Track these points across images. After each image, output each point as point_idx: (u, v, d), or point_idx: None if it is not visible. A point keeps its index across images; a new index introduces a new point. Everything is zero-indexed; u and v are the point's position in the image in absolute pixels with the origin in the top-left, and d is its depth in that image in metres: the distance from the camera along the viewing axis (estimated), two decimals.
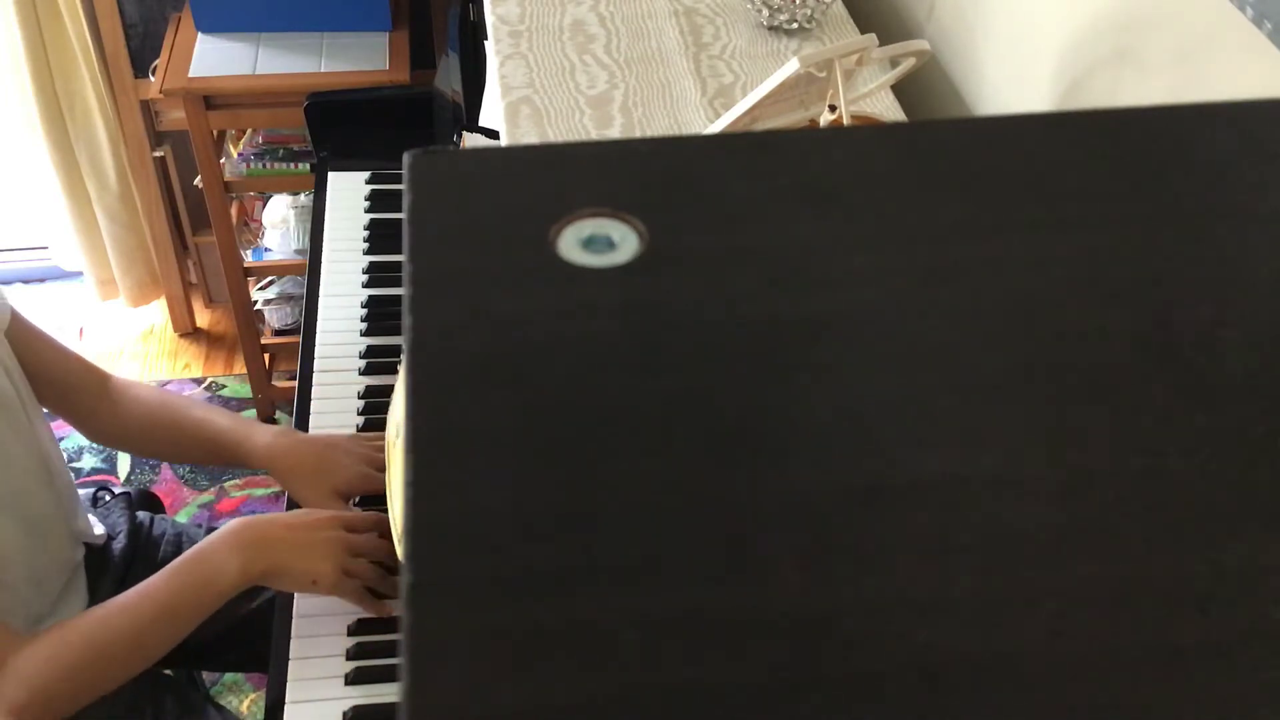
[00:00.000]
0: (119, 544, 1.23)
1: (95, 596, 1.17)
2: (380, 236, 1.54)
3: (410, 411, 0.30)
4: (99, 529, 1.24)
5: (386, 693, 1.05)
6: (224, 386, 2.34)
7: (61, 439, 1.97)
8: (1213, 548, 0.29)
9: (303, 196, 2.04)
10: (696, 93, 1.11)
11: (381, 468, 1.16)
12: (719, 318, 0.33)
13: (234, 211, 2.02)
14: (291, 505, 1.18)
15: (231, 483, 2.12)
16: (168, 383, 2.33)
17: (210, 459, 1.27)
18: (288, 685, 1.05)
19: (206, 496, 2.10)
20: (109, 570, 1.21)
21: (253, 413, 2.26)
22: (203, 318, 2.48)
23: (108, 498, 1.31)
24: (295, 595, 1.13)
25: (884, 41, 0.86)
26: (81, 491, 1.32)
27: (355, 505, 1.19)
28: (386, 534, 1.08)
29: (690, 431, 0.30)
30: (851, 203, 0.37)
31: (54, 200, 2.18)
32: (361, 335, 1.40)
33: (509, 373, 0.31)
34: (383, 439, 1.20)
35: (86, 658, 0.96)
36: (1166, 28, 0.80)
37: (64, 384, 1.16)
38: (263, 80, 1.83)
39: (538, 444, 0.30)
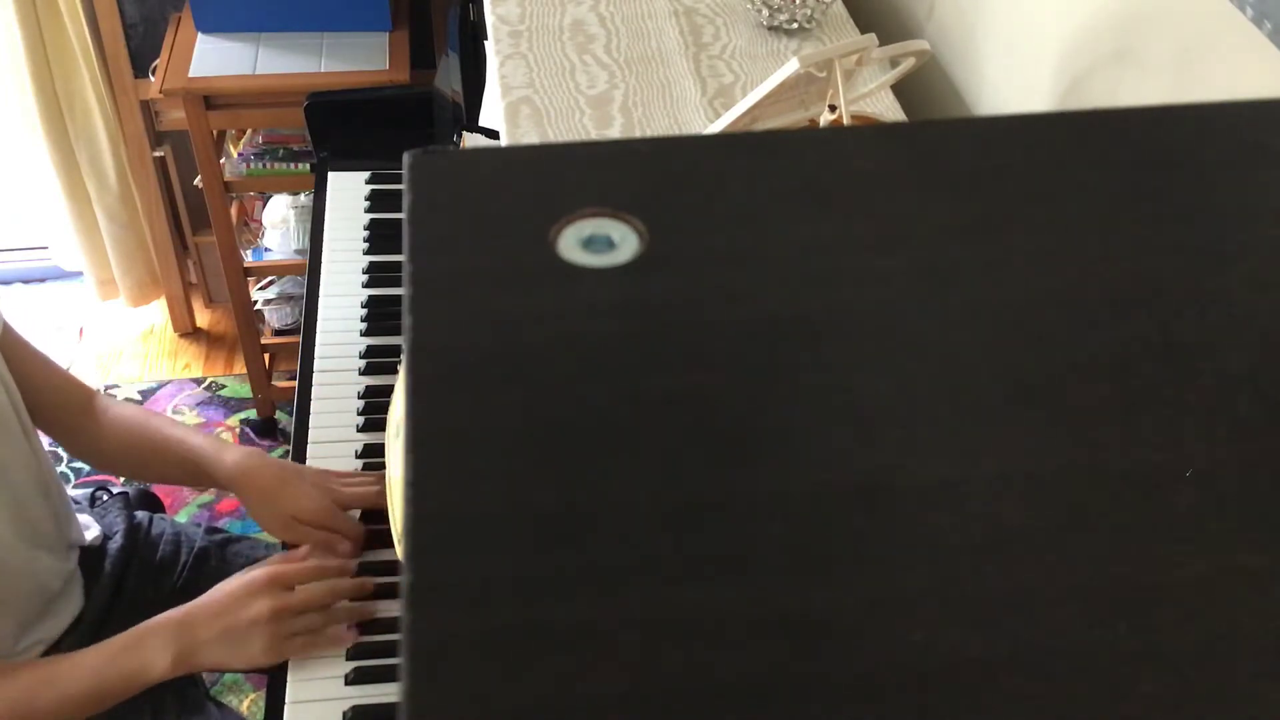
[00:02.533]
0: (115, 544, 1.23)
1: (91, 598, 1.17)
2: (380, 236, 1.54)
3: (410, 411, 0.30)
4: (93, 530, 1.24)
5: (386, 693, 1.05)
6: (224, 386, 2.34)
7: None
8: (1213, 548, 0.29)
9: (303, 196, 2.04)
10: (696, 93, 1.11)
11: (344, 505, 1.16)
12: (719, 318, 0.33)
13: (234, 211, 2.02)
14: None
15: None
16: (167, 383, 2.33)
17: (183, 478, 1.27)
18: (288, 685, 1.05)
19: (206, 496, 2.10)
20: (105, 571, 1.20)
21: (252, 413, 2.26)
22: (203, 318, 2.48)
23: (105, 497, 1.31)
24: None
25: (884, 41, 0.86)
26: (80, 492, 1.32)
27: (357, 518, 1.19)
28: (324, 573, 1.07)
29: (690, 431, 0.30)
30: (852, 203, 0.37)
31: (54, 200, 2.18)
32: (361, 335, 1.40)
33: (509, 373, 0.31)
34: (353, 476, 1.20)
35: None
36: (1166, 28, 0.80)
37: (50, 400, 1.15)
38: (263, 80, 1.83)
39: (537, 444, 0.30)
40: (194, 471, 1.21)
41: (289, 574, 1.06)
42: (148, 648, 1.01)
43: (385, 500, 1.18)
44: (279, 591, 1.04)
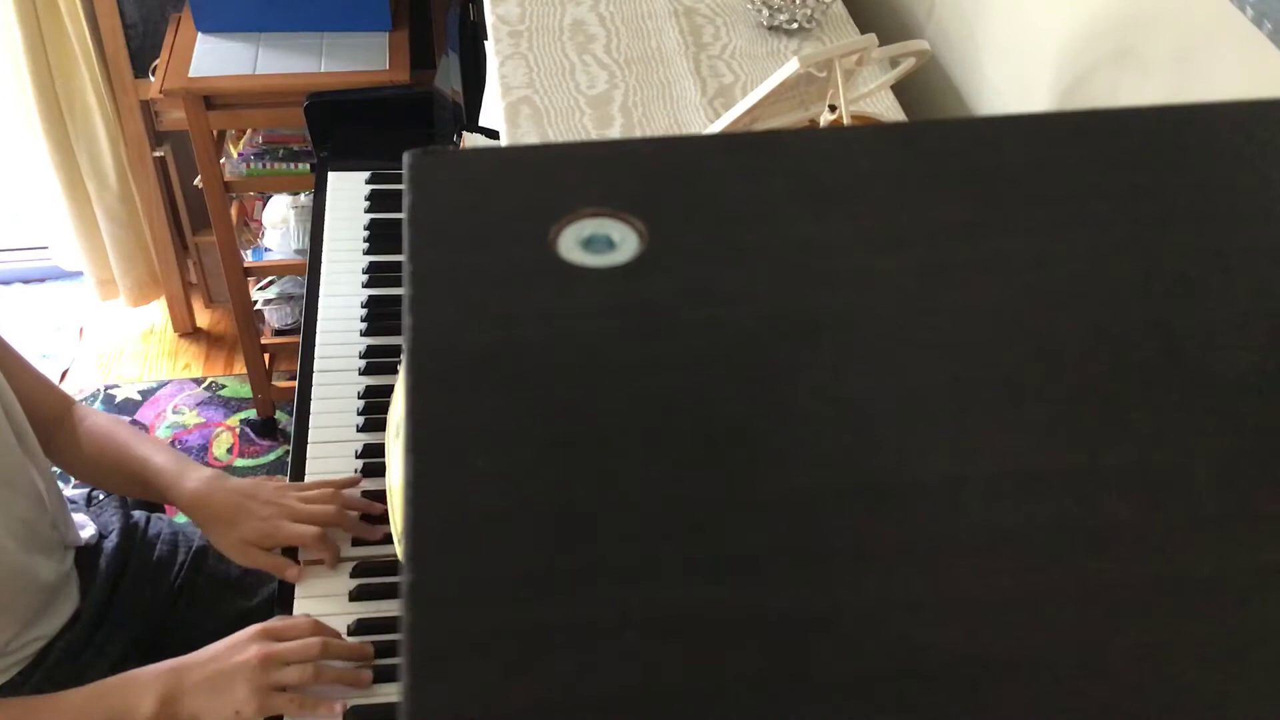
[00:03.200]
0: (111, 543, 1.23)
1: (87, 596, 1.17)
2: (380, 236, 1.54)
3: (410, 411, 0.30)
4: (89, 529, 1.24)
5: (387, 692, 1.06)
6: (224, 386, 2.34)
7: None
8: (1213, 547, 0.29)
9: (303, 196, 2.04)
10: (696, 93, 1.11)
11: (301, 519, 1.16)
12: (719, 318, 0.33)
13: (234, 211, 2.02)
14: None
15: None
16: (167, 383, 2.33)
17: (147, 496, 1.27)
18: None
19: None
20: (100, 569, 1.20)
21: (252, 413, 2.26)
22: (203, 318, 2.48)
23: (101, 496, 1.31)
24: (295, 595, 1.14)
25: (884, 41, 0.86)
26: (76, 491, 1.32)
27: (362, 520, 1.19)
28: (318, 632, 1.06)
29: (690, 431, 0.30)
30: (851, 203, 0.37)
31: (54, 200, 2.18)
32: (361, 335, 1.40)
33: (509, 373, 0.31)
34: (315, 491, 1.20)
35: None
36: (1166, 28, 0.80)
37: (28, 405, 1.15)
38: (263, 80, 1.83)
39: (537, 444, 0.30)
40: (156, 492, 1.21)
41: (281, 628, 1.06)
42: (134, 689, 1.01)
43: (343, 520, 1.18)
44: (268, 641, 1.03)
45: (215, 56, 1.85)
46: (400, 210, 0.46)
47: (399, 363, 1.30)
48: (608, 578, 0.27)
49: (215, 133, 1.88)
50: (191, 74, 1.81)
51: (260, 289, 2.17)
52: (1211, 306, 0.35)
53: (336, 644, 1.06)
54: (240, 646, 1.03)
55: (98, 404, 2.24)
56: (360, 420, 1.30)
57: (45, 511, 1.13)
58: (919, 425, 0.31)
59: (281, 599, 1.14)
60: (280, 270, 2.11)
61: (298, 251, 2.06)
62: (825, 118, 0.87)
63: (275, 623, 1.07)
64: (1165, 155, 0.40)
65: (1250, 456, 0.31)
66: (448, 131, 1.52)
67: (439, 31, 2.09)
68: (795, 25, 1.19)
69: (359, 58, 1.89)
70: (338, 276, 1.48)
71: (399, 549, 0.98)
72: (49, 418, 1.20)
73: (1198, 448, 0.31)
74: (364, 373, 1.35)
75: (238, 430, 2.25)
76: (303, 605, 1.13)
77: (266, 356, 2.18)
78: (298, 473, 1.25)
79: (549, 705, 0.25)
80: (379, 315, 1.42)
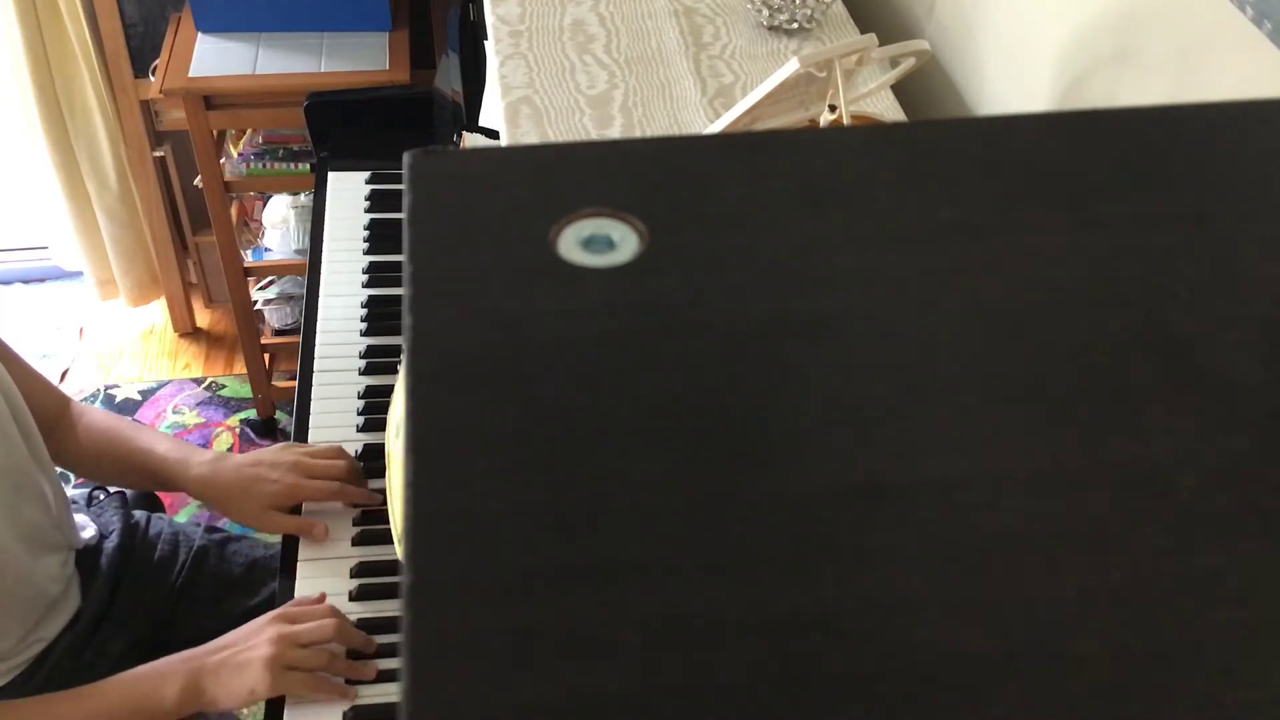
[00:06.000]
0: (111, 543, 1.23)
1: (88, 597, 1.17)
2: (380, 236, 1.54)
3: (410, 411, 0.30)
4: (90, 530, 1.24)
5: (387, 692, 1.06)
6: (224, 386, 2.34)
7: None
8: (1212, 548, 0.29)
9: (303, 196, 2.04)
10: (696, 93, 1.11)
11: (309, 474, 1.17)
12: (719, 318, 0.33)
13: (234, 211, 2.02)
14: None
15: None
16: (167, 383, 2.33)
17: (155, 486, 1.28)
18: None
19: None
20: (101, 570, 1.20)
21: (252, 413, 2.26)
22: (203, 318, 2.48)
23: (101, 497, 1.31)
24: (296, 594, 1.14)
25: (884, 41, 0.86)
26: (77, 491, 1.32)
27: (358, 520, 1.19)
28: (337, 613, 1.07)
29: (690, 431, 0.30)
30: (851, 203, 0.37)
31: (54, 200, 2.18)
32: (361, 335, 1.40)
33: (509, 373, 0.31)
34: (312, 444, 1.21)
35: None
36: (1166, 28, 0.80)
37: (30, 406, 1.15)
38: (263, 80, 1.83)
39: (537, 444, 0.30)
40: (163, 481, 1.22)
41: (298, 612, 1.07)
42: (159, 678, 1.03)
43: (354, 474, 1.19)
44: (283, 624, 1.05)
45: (215, 56, 1.85)
46: (400, 210, 0.46)
47: (399, 363, 1.30)
48: (608, 578, 0.27)
49: (215, 133, 1.88)
50: (191, 74, 1.81)
51: (260, 289, 2.17)
52: (1212, 306, 0.35)
53: (350, 629, 1.07)
54: (257, 630, 1.05)
55: (98, 404, 2.24)
56: (360, 420, 1.30)
57: (50, 514, 1.13)
58: (919, 425, 0.31)
59: (283, 599, 1.14)
60: (280, 270, 2.11)
61: (298, 251, 2.06)
62: (825, 118, 0.87)
63: (290, 607, 1.08)
64: (1165, 155, 0.40)
65: (1251, 456, 0.31)
66: (448, 131, 1.52)
67: (439, 31, 2.09)
68: (795, 25, 1.19)
69: (359, 58, 1.89)
70: (338, 276, 1.48)
71: (399, 549, 0.98)
72: (49, 418, 1.20)
73: (1198, 447, 0.31)
74: (364, 373, 1.35)
75: (238, 430, 2.25)
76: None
77: (266, 356, 2.18)
78: None
79: (549, 705, 0.25)
80: (379, 315, 1.42)
